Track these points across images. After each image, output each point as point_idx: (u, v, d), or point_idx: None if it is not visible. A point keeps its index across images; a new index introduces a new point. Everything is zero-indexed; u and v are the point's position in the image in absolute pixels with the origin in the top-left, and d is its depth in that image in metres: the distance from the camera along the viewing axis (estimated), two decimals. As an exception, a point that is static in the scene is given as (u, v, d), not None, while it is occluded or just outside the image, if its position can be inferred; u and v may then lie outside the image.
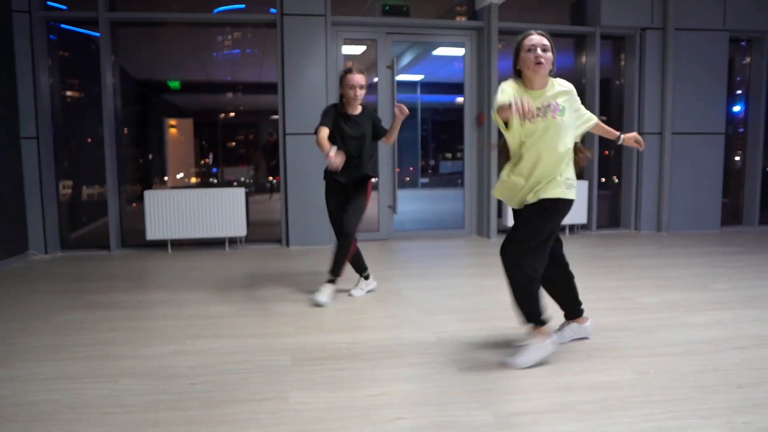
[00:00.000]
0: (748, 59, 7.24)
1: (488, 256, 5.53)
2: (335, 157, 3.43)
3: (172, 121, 12.94)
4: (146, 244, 6.04)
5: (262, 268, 5.08)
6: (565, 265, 2.90)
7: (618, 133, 3.02)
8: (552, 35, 2.69)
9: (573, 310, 3.00)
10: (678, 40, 6.65)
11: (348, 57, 7.82)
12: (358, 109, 3.80)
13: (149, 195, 5.73)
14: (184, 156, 12.71)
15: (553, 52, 2.59)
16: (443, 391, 2.41)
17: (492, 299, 3.91)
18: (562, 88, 2.66)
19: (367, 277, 4.09)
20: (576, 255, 5.57)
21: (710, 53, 6.77)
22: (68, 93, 6.23)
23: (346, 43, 6.80)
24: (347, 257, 3.87)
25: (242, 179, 7.78)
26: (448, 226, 6.93)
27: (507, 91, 2.54)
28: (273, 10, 5.95)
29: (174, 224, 5.78)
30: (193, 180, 10.71)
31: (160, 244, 6.04)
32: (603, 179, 7.28)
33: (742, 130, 7.45)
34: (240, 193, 5.85)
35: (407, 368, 2.68)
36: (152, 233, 5.78)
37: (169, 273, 4.96)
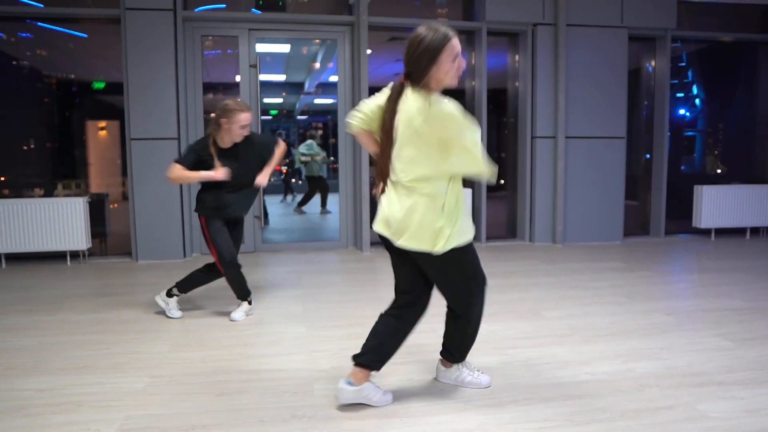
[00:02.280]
0: (653, 62, 6.75)
1: (339, 275, 5.04)
2: (222, 171, 3.35)
3: (101, 124, 12.38)
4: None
5: (82, 287, 4.61)
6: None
7: None
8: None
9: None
10: (571, 37, 6.16)
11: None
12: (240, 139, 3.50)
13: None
14: (109, 161, 12.15)
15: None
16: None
17: (231, 334, 3.44)
18: None
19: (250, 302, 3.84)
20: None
21: (608, 52, 6.27)
22: None
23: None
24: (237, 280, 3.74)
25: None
26: (325, 237, 6.47)
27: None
28: None
29: (5, 237, 5.31)
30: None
31: (-3, 258, 5.57)
32: (502, 181, 6.83)
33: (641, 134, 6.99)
34: (78, 203, 5.38)
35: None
36: (-20, 247, 5.33)
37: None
